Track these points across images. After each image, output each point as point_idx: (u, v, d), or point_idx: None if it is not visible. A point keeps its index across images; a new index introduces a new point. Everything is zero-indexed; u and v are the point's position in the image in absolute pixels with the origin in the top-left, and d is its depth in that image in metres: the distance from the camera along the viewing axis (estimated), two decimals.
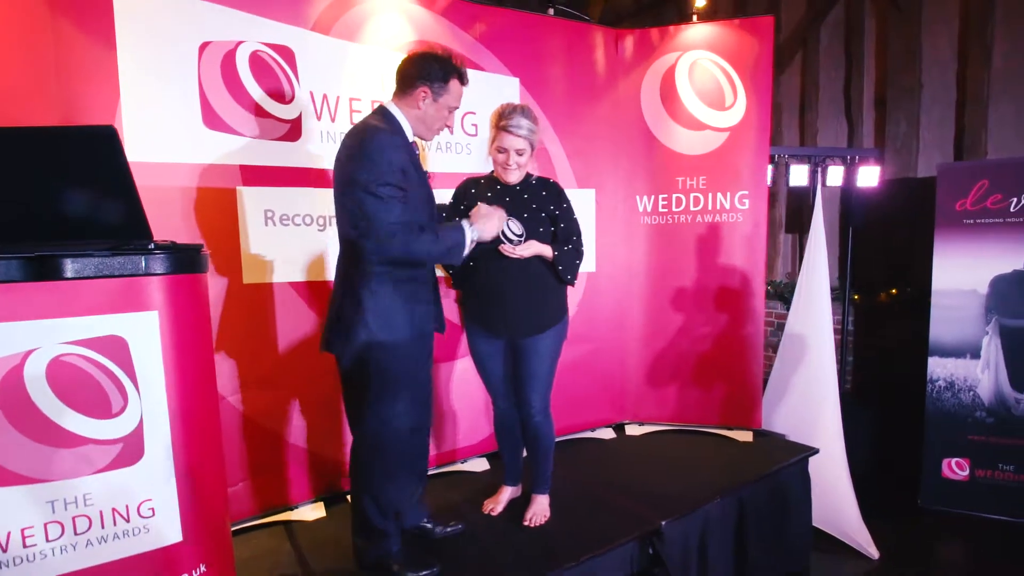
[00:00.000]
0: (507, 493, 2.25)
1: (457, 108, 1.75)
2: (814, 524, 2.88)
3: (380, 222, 1.54)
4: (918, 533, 3.01)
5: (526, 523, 2.08)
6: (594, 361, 2.98)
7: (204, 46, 1.92)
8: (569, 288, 2.49)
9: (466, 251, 1.68)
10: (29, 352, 1.08)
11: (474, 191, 2.01)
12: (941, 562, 2.82)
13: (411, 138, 1.70)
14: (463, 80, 1.71)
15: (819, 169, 3.22)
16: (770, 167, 3.11)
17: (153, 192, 1.84)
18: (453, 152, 2.50)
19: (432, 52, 1.69)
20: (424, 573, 1.74)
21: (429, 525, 2.04)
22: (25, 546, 1.09)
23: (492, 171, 2.01)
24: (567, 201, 2.03)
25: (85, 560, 1.14)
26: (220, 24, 1.94)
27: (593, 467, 2.63)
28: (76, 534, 1.13)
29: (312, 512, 2.22)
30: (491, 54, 2.57)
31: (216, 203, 1.96)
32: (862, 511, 2.85)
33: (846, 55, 4.16)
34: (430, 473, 2.52)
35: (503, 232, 1.86)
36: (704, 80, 2.84)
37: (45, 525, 1.10)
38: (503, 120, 1.86)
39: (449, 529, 2.04)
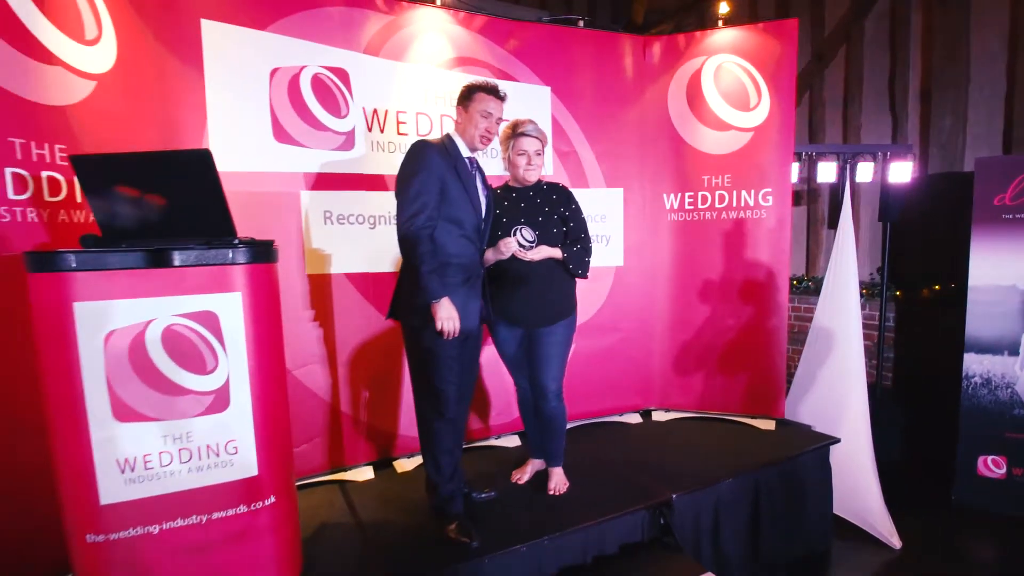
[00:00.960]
0: (533, 465, 2.50)
1: (491, 115, 1.99)
2: (837, 512, 2.96)
3: (408, 211, 1.86)
4: (948, 528, 3.01)
5: (550, 492, 2.32)
6: (622, 350, 3.17)
7: (274, 71, 2.26)
8: (595, 281, 2.68)
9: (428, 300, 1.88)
10: (149, 322, 1.43)
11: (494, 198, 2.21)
12: (968, 558, 2.81)
13: (466, 154, 2.02)
14: (488, 92, 1.99)
15: (848, 166, 3.25)
16: (796, 164, 3.18)
17: (234, 196, 2.18)
18: (488, 157, 2.76)
19: (468, 82, 2.03)
20: (471, 543, 1.95)
21: (466, 491, 2.31)
22: (146, 468, 1.44)
23: (507, 181, 2.25)
24: (576, 202, 2.24)
25: (189, 483, 1.48)
26: (287, 52, 2.28)
27: (617, 447, 2.83)
28: (181, 462, 1.47)
29: (363, 474, 2.55)
30: (524, 66, 2.81)
31: (283, 205, 2.31)
32: (894, 504, 2.89)
33: (891, 48, 4.11)
34: (469, 446, 2.82)
35: (517, 238, 2.11)
36: (729, 82, 2.96)
37: (159, 453, 1.45)
38: (518, 128, 2.12)
39: (484, 495, 2.32)
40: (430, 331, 1.92)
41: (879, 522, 2.86)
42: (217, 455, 1.51)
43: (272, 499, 1.60)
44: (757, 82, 2.91)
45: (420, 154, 1.92)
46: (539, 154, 2.15)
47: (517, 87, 2.78)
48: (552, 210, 2.18)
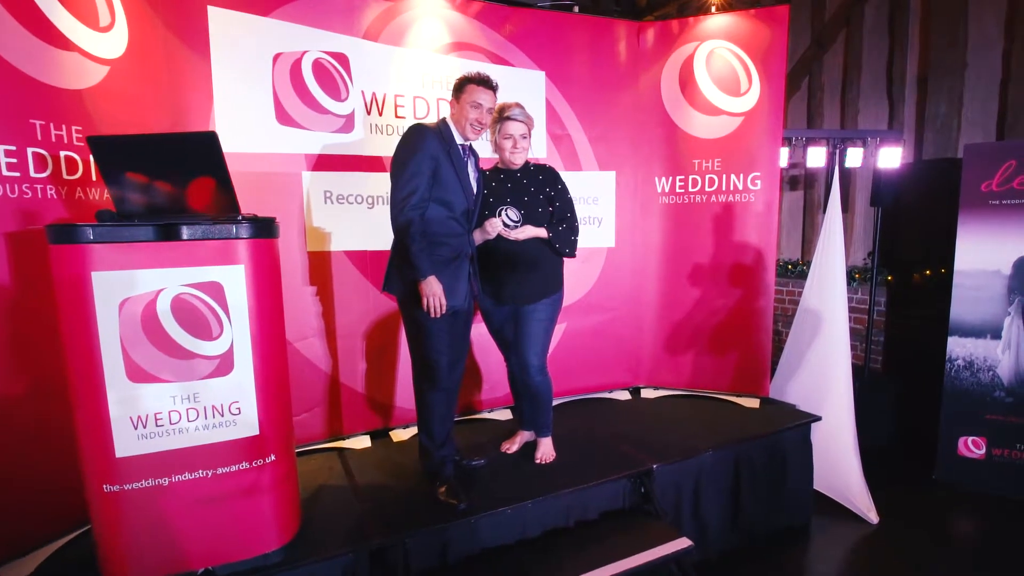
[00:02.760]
0: (523, 436, 2.62)
1: (481, 105, 2.06)
2: (818, 488, 3.08)
3: (402, 191, 1.96)
4: (926, 504, 3.12)
5: (538, 461, 2.44)
6: (612, 329, 3.28)
7: (277, 56, 2.36)
8: (587, 262, 2.74)
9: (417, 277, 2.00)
10: (160, 291, 1.55)
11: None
12: (944, 532, 2.91)
13: (460, 141, 2.11)
14: (478, 83, 2.06)
15: (838, 151, 3.31)
16: (787, 149, 3.24)
17: (238, 176, 2.29)
18: (483, 141, 2.83)
19: (461, 75, 2.11)
20: (459, 504, 2.07)
21: (457, 458, 2.44)
22: (157, 425, 1.57)
23: (496, 163, 2.32)
24: (562, 183, 2.31)
25: (197, 440, 1.61)
26: (289, 37, 2.37)
27: (604, 421, 2.95)
28: (189, 421, 1.60)
29: (360, 443, 2.69)
30: (519, 51, 2.88)
31: (286, 185, 2.42)
32: (878, 482, 3.00)
33: (890, 34, 4.13)
34: (462, 419, 2.96)
35: (503, 218, 2.22)
36: (720, 68, 3.02)
37: (169, 412, 1.58)
38: (504, 112, 2.19)
39: (475, 463, 2.45)
40: (419, 304, 2.03)
41: (857, 498, 2.97)
42: (222, 415, 1.64)
43: (272, 457, 1.74)
44: (748, 67, 2.97)
45: (416, 137, 2.01)
46: (524, 137, 2.22)
47: (512, 72, 2.86)
48: (538, 190, 2.26)
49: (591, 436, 2.73)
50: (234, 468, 1.67)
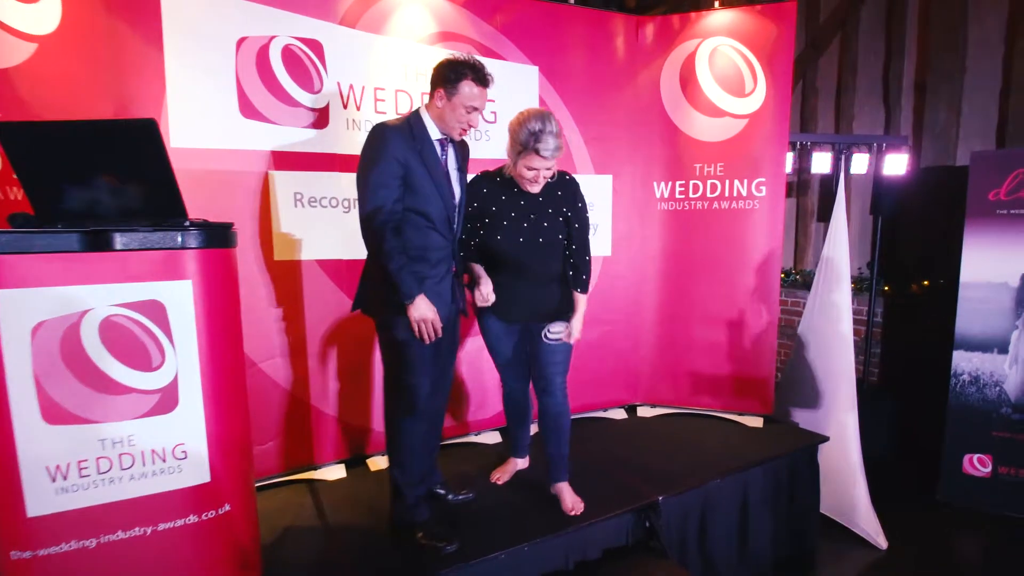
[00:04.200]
0: (515, 465, 2.37)
1: (477, 108, 1.80)
2: (823, 512, 2.91)
3: (369, 205, 1.73)
4: (933, 527, 2.98)
5: (571, 513, 2.07)
6: (608, 343, 3.07)
7: (241, 41, 2.09)
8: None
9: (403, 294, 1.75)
10: (85, 312, 1.27)
11: (486, 191, 1.97)
12: (954, 556, 2.80)
13: (436, 136, 1.83)
14: (478, 81, 1.77)
15: (843, 157, 3.17)
16: (791, 154, 3.08)
17: (195, 175, 2.03)
18: (472, 138, 2.61)
19: (452, 58, 1.79)
20: (443, 545, 1.82)
21: (442, 491, 2.19)
22: (81, 476, 1.29)
23: (507, 169, 1.96)
24: (582, 200, 2.03)
25: (129, 492, 1.34)
26: (255, 20, 2.10)
27: (601, 444, 2.73)
28: (122, 469, 1.33)
29: (334, 473, 2.42)
30: (511, 43, 2.65)
31: (250, 185, 2.14)
32: (880, 502, 2.85)
33: (886, 38, 4.02)
34: (446, 443, 2.70)
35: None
36: (724, 67, 2.84)
37: (97, 459, 1.30)
38: (535, 143, 1.80)
39: (461, 497, 2.19)
40: (400, 324, 1.78)
41: (865, 521, 2.82)
42: (164, 460, 1.37)
43: (227, 507, 1.47)
44: (753, 67, 2.80)
45: (377, 141, 1.75)
46: (549, 170, 1.90)
47: (504, 65, 2.63)
48: (556, 212, 1.97)
49: (589, 462, 2.50)
50: (179, 523, 1.40)
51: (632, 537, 2.18)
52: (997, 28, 3.48)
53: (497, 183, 1.98)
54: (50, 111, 1.68)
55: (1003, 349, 3.05)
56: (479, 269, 2.01)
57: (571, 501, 2.11)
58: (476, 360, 2.76)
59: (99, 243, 1.28)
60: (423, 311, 1.74)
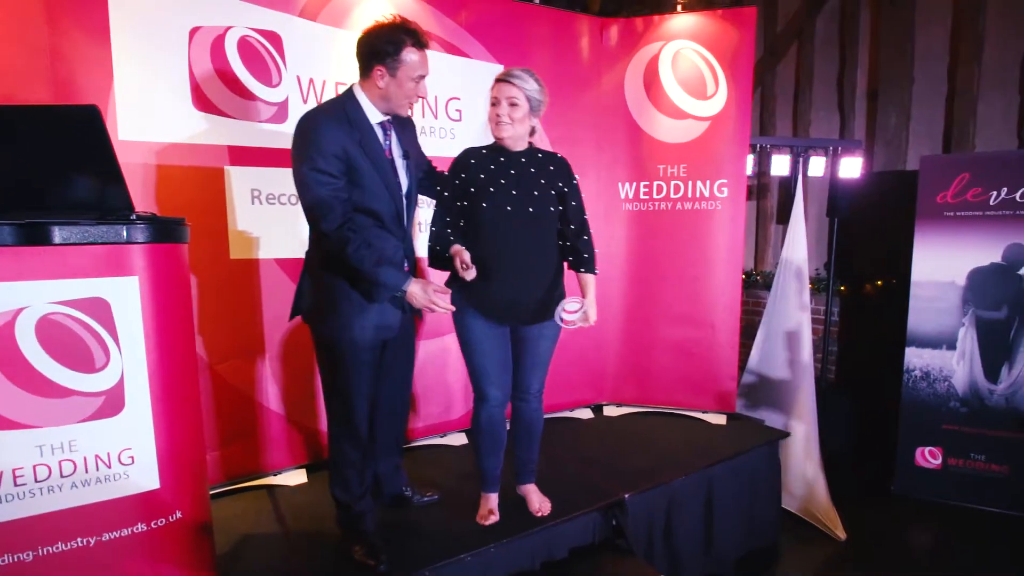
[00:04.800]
0: (494, 501, 2.07)
1: (425, 75, 1.68)
2: (784, 506, 2.98)
3: (315, 211, 1.58)
4: (889, 518, 3.08)
5: (538, 514, 2.04)
6: (574, 343, 3.06)
7: (194, 31, 2.01)
8: None
9: (393, 294, 1.67)
10: (20, 310, 1.19)
11: (474, 162, 1.84)
12: (909, 546, 2.89)
13: (377, 119, 1.69)
14: (419, 45, 1.63)
15: (801, 159, 3.26)
16: (751, 156, 3.16)
17: (146, 169, 1.95)
18: (437, 136, 2.59)
19: (381, 26, 1.62)
20: (379, 567, 1.72)
21: (408, 493, 2.15)
22: (16, 484, 1.21)
23: (495, 141, 1.86)
24: (575, 177, 1.92)
25: (71, 500, 1.26)
26: (209, 9, 2.03)
27: (567, 444, 2.73)
28: (62, 476, 1.25)
29: (294, 478, 2.35)
30: (475, 41, 2.64)
31: (205, 181, 2.06)
32: (836, 496, 2.93)
33: (840, 46, 4.17)
34: (413, 445, 2.66)
35: (561, 316, 1.82)
36: (687, 69, 2.89)
37: (34, 467, 1.22)
38: (502, 73, 1.78)
39: (426, 498, 2.16)
40: (336, 331, 1.69)
41: (824, 515, 2.89)
42: (108, 467, 1.29)
43: (178, 514, 1.40)
44: (715, 70, 2.86)
45: (310, 135, 1.57)
46: (515, 106, 1.75)
47: (469, 63, 2.61)
48: (549, 184, 1.84)
49: (555, 462, 2.50)
50: (127, 532, 1.33)
51: (599, 536, 2.18)
52: (943, 38, 3.65)
53: (484, 154, 1.86)
54: None
55: (951, 345, 3.18)
56: (455, 247, 1.78)
57: (538, 502, 2.09)
58: (441, 361, 2.72)
59: (36, 237, 1.20)
60: (420, 296, 1.63)
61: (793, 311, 3.12)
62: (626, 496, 2.20)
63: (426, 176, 1.96)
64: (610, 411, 3.17)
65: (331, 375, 1.78)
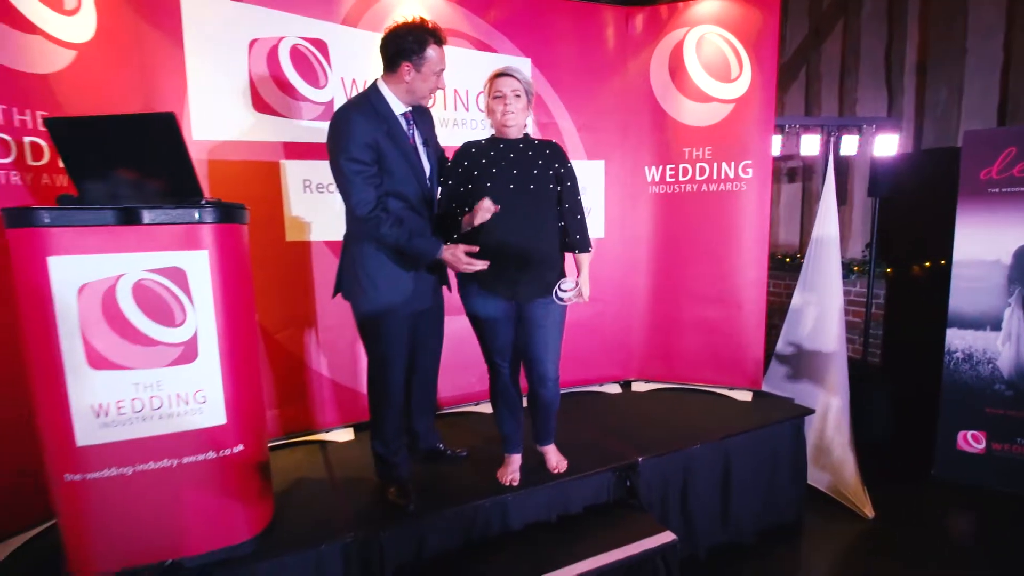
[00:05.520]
0: (517, 461, 2.25)
1: (443, 68, 1.88)
2: (812, 484, 3.02)
3: (352, 200, 1.80)
4: (924, 501, 3.04)
5: (554, 471, 2.23)
6: (602, 321, 3.23)
7: (253, 42, 2.32)
8: None
9: (429, 261, 1.90)
10: (120, 276, 1.51)
11: (474, 150, 2.00)
12: (942, 528, 2.85)
13: (401, 110, 1.90)
14: (439, 42, 1.85)
15: (832, 139, 3.24)
16: (780, 137, 3.17)
17: (215, 164, 2.28)
18: (468, 127, 2.80)
19: (404, 26, 1.82)
20: (408, 506, 1.97)
21: (441, 448, 2.40)
22: (119, 413, 1.53)
23: (492, 133, 2.05)
24: (570, 161, 2.06)
25: (158, 429, 1.58)
26: (265, 23, 2.33)
27: (591, 416, 2.89)
28: (152, 409, 1.57)
29: (343, 435, 2.65)
30: (504, 37, 2.83)
31: (263, 173, 2.38)
32: (874, 479, 2.93)
33: (888, 20, 4.04)
34: (449, 412, 2.91)
35: (557, 293, 1.97)
36: (711, 53, 2.95)
37: (132, 400, 1.54)
38: (501, 68, 1.95)
39: (456, 454, 2.40)
40: (373, 305, 1.92)
41: (852, 493, 2.91)
42: (186, 403, 1.60)
43: (241, 447, 1.70)
44: (739, 53, 2.90)
45: (344, 128, 1.76)
46: (518, 97, 1.93)
47: (497, 59, 2.80)
48: (546, 165, 1.98)
49: (578, 430, 2.67)
50: (200, 457, 1.64)
51: (613, 495, 2.34)
52: (997, 8, 3.48)
53: (483, 143, 2.03)
54: (88, 110, 1.93)
55: (996, 326, 3.09)
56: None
57: (555, 460, 2.28)
58: (470, 335, 2.94)
59: (130, 218, 1.51)
60: (453, 259, 1.85)
61: (823, 290, 3.13)
62: (639, 459, 2.36)
63: (439, 164, 2.15)
64: (638, 387, 3.30)
65: (371, 345, 2.04)
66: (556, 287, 1.99)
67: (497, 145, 2.01)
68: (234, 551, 1.71)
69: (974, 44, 3.59)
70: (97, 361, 1.51)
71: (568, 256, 2.13)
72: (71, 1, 1.89)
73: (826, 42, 4.44)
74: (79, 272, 1.47)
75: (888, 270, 3.98)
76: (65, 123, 1.54)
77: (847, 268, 4.09)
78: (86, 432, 1.51)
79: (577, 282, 2.02)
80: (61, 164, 1.83)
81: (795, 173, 4.73)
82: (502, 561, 1.98)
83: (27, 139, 1.80)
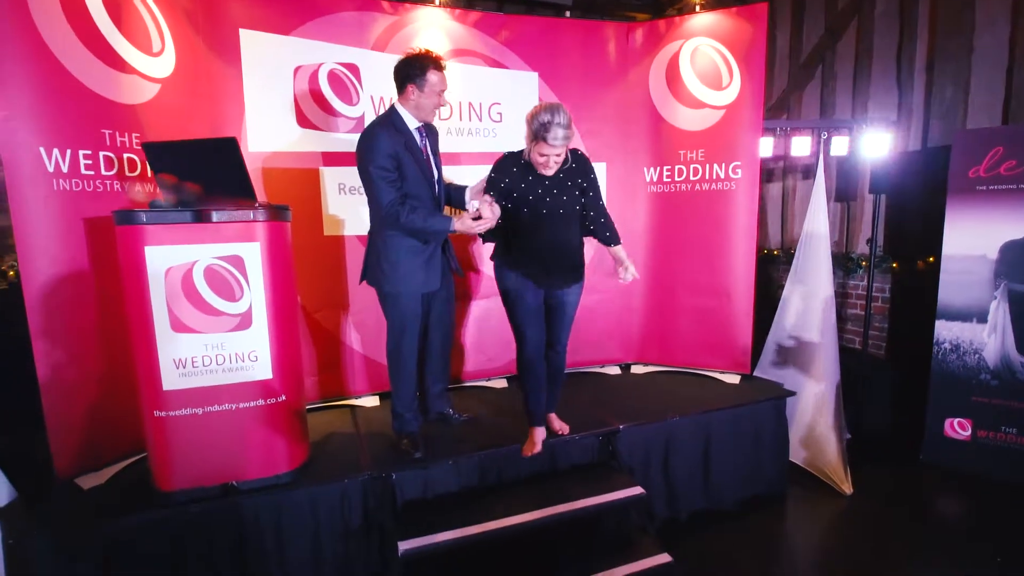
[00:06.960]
0: (541, 434, 2.50)
1: (445, 89, 2.27)
2: (797, 461, 3.27)
3: (377, 200, 2.22)
4: (908, 482, 3.24)
5: (559, 433, 2.58)
6: (604, 309, 3.55)
7: (297, 69, 2.78)
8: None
9: (445, 235, 2.30)
10: (195, 262, 1.98)
11: (515, 170, 2.25)
12: (925, 508, 3.04)
13: (414, 125, 2.30)
14: (438, 68, 2.24)
15: (822, 140, 3.44)
16: (771, 139, 3.39)
17: (266, 171, 2.76)
18: (481, 136, 3.18)
19: (410, 56, 2.24)
20: (415, 454, 2.37)
21: (451, 411, 2.81)
22: (193, 367, 2.01)
23: (526, 153, 2.24)
24: (593, 172, 2.34)
25: (222, 380, 2.05)
26: (307, 52, 2.79)
27: (589, 392, 3.23)
28: (217, 364, 2.04)
29: (370, 401, 3.11)
30: (514, 54, 3.19)
31: (305, 178, 2.84)
32: (865, 462, 3.14)
33: (900, 20, 4.14)
34: (460, 386, 3.32)
35: (624, 277, 2.35)
36: (704, 63, 3.21)
37: (203, 356, 2.02)
38: (544, 133, 2.08)
39: (464, 417, 2.80)
40: (394, 286, 2.32)
41: (832, 470, 3.14)
42: (243, 361, 2.07)
43: (283, 397, 2.16)
44: (729, 63, 3.15)
45: (372, 141, 2.17)
46: (559, 156, 2.17)
47: (507, 74, 3.17)
48: (574, 185, 2.29)
49: (574, 402, 3.01)
50: (252, 404, 2.10)
51: (597, 456, 2.70)
52: (1002, 8, 3.55)
53: (522, 165, 2.26)
54: (168, 132, 2.42)
55: (982, 318, 3.23)
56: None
57: (559, 425, 2.64)
58: (488, 318, 3.35)
59: (203, 217, 1.98)
60: (462, 227, 2.18)
61: (812, 282, 3.34)
62: (620, 427, 2.70)
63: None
64: (637, 369, 3.62)
65: (390, 315, 2.46)
66: (623, 271, 2.36)
67: (534, 170, 2.25)
68: (278, 479, 2.18)
69: (980, 43, 3.67)
70: (178, 326, 1.99)
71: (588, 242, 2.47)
72: (157, 44, 2.39)
73: (841, 43, 4.55)
74: (166, 258, 1.95)
75: (894, 264, 4.11)
76: (157, 145, 2.02)
77: (854, 262, 4.24)
78: (170, 379, 2.00)
79: (624, 265, 2.36)
80: (149, 175, 2.35)
81: (809, 171, 4.87)
82: (490, 503, 2.37)
83: (125, 155, 2.31)
